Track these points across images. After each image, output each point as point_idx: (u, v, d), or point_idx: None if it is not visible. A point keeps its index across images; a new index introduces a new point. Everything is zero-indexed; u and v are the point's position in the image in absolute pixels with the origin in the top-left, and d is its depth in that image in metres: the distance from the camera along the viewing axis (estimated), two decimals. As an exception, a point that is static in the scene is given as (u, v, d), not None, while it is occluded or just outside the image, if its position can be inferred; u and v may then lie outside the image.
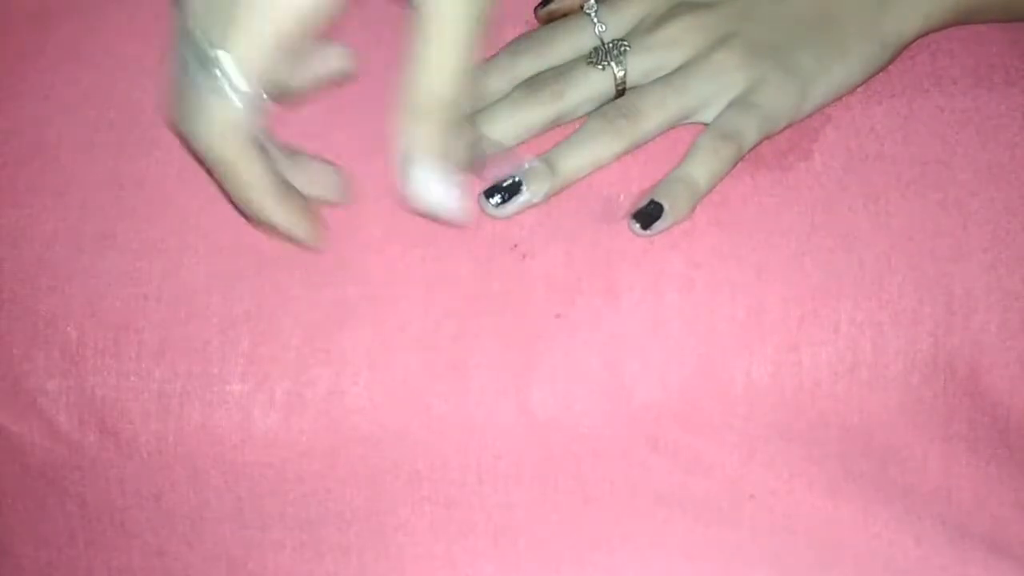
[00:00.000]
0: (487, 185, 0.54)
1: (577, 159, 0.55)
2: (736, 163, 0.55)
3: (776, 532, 0.54)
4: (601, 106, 0.56)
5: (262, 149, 0.50)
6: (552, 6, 0.58)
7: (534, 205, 0.55)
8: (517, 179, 0.54)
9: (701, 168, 0.54)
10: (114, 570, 0.55)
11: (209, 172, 0.50)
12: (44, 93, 0.58)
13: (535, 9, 0.59)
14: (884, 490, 0.54)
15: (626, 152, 0.55)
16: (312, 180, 0.54)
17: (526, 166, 0.54)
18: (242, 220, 0.55)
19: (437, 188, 0.49)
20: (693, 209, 0.54)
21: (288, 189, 0.52)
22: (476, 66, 0.56)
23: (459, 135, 0.49)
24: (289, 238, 0.53)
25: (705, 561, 0.55)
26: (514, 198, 0.54)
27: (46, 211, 0.55)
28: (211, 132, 0.48)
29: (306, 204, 0.53)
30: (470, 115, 0.56)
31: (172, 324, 0.53)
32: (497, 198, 0.54)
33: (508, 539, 0.54)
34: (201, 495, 0.54)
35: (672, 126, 0.56)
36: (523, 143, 0.56)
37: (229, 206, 0.55)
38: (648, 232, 0.54)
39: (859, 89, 0.58)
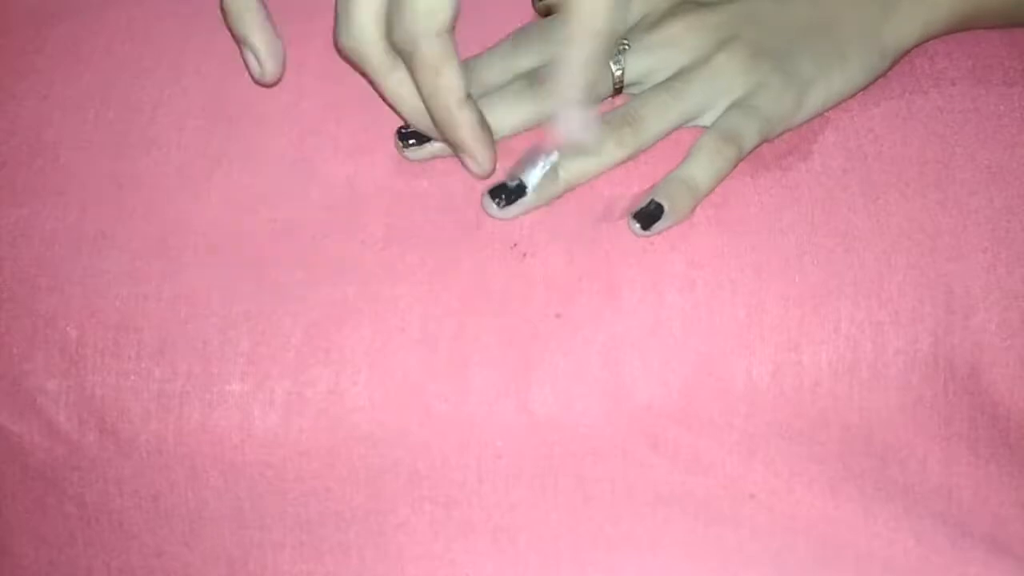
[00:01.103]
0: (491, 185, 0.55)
1: (580, 165, 0.55)
2: (736, 164, 0.55)
3: (776, 532, 0.54)
4: (603, 109, 0.56)
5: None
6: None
7: (537, 207, 0.55)
8: (522, 182, 0.54)
9: (702, 169, 0.54)
10: (114, 570, 0.55)
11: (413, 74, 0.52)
12: (44, 93, 0.58)
13: (533, 1, 0.59)
14: (884, 489, 0.54)
15: (629, 159, 0.55)
16: None
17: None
18: (242, 220, 0.55)
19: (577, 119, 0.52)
20: (693, 210, 0.54)
21: (476, 108, 0.53)
22: (476, 57, 0.57)
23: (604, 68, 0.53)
24: (468, 156, 0.54)
25: (705, 561, 0.55)
26: (518, 199, 0.54)
27: (46, 211, 0.55)
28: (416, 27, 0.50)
29: (487, 130, 0.54)
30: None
31: (172, 324, 0.53)
32: (501, 199, 0.54)
33: (508, 538, 0.54)
34: (201, 495, 0.54)
35: (673, 131, 0.56)
36: (517, 134, 0.56)
37: (229, 206, 0.55)
38: (648, 232, 0.54)
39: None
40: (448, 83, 0.52)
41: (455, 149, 0.54)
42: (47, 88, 0.58)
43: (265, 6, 0.55)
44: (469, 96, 0.53)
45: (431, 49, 0.51)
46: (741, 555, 0.54)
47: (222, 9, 0.55)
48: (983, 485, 0.55)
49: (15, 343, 0.54)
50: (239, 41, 0.55)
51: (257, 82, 0.56)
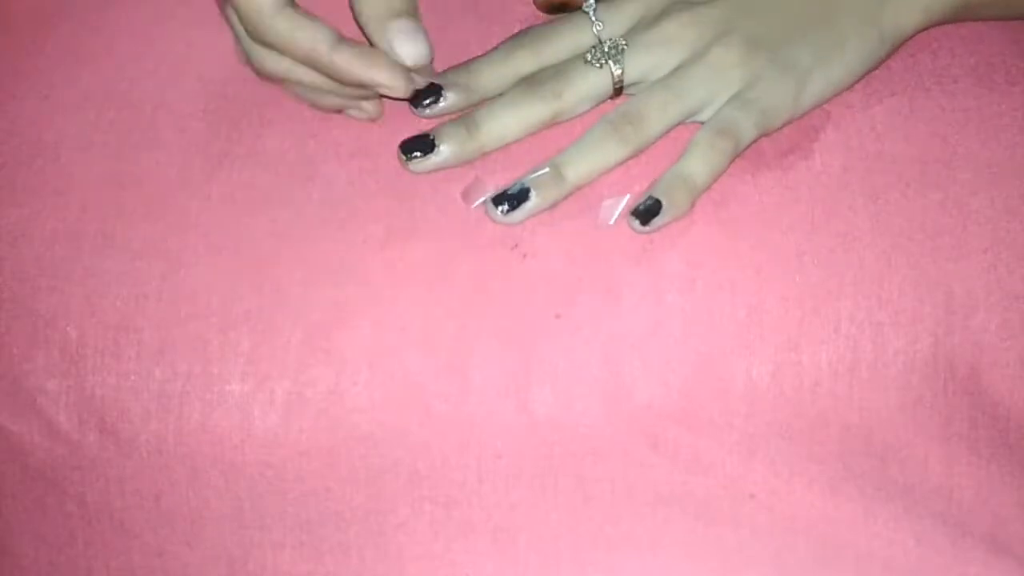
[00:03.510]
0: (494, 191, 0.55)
1: (584, 165, 0.55)
2: (734, 158, 0.55)
3: (776, 532, 0.54)
4: (602, 108, 0.56)
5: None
6: None
7: (542, 211, 0.55)
8: (525, 186, 0.54)
9: (698, 164, 0.54)
10: (114, 570, 0.55)
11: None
12: (44, 93, 0.58)
13: (534, 1, 0.59)
14: (884, 489, 0.54)
15: (631, 157, 0.55)
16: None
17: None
18: (242, 220, 0.55)
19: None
20: (692, 205, 0.54)
21: (352, 44, 0.53)
22: (475, 60, 0.57)
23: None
24: (382, 88, 0.54)
25: (705, 561, 0.55)
26: (522, 205, 0.54)
27: (46, 211, 0.55)
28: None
29: (376, 54, 0.54)
30: (468, 113, 0.56)
31: (172, 324, 0.53)
32: (505, 205, 0.54)
33: (507, 538, 0.54)
34: (201, 495, 0.54)
35: (674, 127, 0.56)
36: (520, 139, 0.56)
37: (229, 206, 0.55)
38: (647, 228, 0.54)
39: (860, 87, 0.58)
40: (306, 46, 0.53)
41: (372, 88, 0.54)
42: (47, 88, 0.58)
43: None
44: (338, 41, 0.53)
45: (274, 34, 0.53)
46: (741, 555, 0.54)
47: (333, 77, 0.54)
48: (983, 485, 0.55)
49: (15, 343, 0.54)
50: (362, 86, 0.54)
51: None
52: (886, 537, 0.54)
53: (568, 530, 0.54)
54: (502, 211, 0.54)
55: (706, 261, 0.54)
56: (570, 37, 0.56)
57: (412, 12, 0.53)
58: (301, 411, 0.53)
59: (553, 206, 0.55)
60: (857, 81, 0.57)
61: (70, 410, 0.53)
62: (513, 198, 0.54)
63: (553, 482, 0.54)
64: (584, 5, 0.57)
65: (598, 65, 0.55)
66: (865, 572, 0.55)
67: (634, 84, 0.56)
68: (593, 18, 0.56)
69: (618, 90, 0.56)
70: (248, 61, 0.56)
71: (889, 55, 0.58)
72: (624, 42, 0.56)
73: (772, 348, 0.53)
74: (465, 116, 0.55)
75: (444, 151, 0.55)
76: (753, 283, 0.53)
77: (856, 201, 0.55)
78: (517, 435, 0.53)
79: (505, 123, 0.55)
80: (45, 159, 0.57)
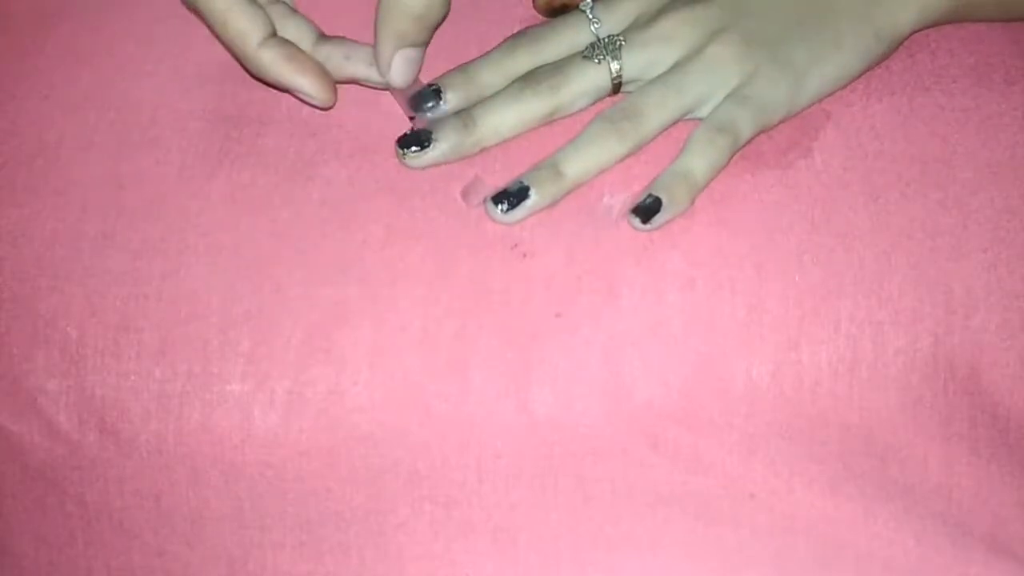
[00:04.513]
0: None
1: (583, 162, 0.55)
2: (732, 155, 0.55)
3: (776, 532, 0.54)
4: (601, 107, 0.56)
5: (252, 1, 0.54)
6: None
7: (542, 209, 0.55)
8: (524, 184, 0.54)
9: (697, 160, 0.54)
10: (114, 570, 0.55)
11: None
12: (44, 93, 0.58)
13: (534, 1, 0.59)
14: (884, 489, 0.54)
15: (630, 154, 0.55)
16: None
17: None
18: (242, 220, 0.55)
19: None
20: (692, 202, 0.54)
21: (283, 43, 0.55)
22: (473, 60, 0.57)
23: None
24: (297, 91, 0.55)
25: (705, 561, 0.55)
26: (522, 203, 0.54)
27: (46, 211, 0.55)
28: None
29: (304, 59, 0.55)
30: (466, 108, 0.56)
31: (172, 324, 0.53)
32: (505, 203, 0.54)
33: (507, 538, 0.54)
34: (201, 495, 0.54)
35: (672, 124, 0.56)
36: (519, 136, 0.56)
37: (229, 206, 0.55)
38: (648, 226, 0.54)
39: (860, 86, 0.58)
40: (235, 31, 0.54)
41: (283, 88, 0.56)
42: (48, 88, 0.58)
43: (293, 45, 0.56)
44: (270, 36, 0.54)
45: (207, 5, 0.54)
46: (741, 555, 0.54)
47: (252, 72, 0.56)
48: (983, 485, 0.55)
49: (15, 343, 0.54)
50: (285, 90, 0.56)
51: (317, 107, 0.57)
52: (886, 537, 0.54)
53: (568, 530, 0.54)
54: (502, 209, 0.54)
55: (706, 260, 0.54)
56: (568, 36, 0.57)
57: (423, 43, 0.55)
58: (301, 411, 0.53)
59: (553, 203, 0.55)
60: (855, 80, 0.58)
61: (70, 410, 0.53)
62: (513, 196, 0.54)
63: (553, 482, 0.54)
64: (581, 4, 0.57)
65: (596, 61, 0.55)
66: (865, 572, 0.55)
67: (632, 81, 0.56)
68: (591, 16, 0.57)
69: (616, 87, 0.56)
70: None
71: (887, 55, 0.58)
72: (622, 39, 0.56)
73: (772, 348, 0.53)
74: (463, 112, 0.55)
75: (441, 146, 0.55)
76: (753, 283, 0.53)
77: (856, 200, 0.55)
78: (517, 435, 0.53)
79: (503, 118, 0.55)
80: (45, 159, 0.57)
